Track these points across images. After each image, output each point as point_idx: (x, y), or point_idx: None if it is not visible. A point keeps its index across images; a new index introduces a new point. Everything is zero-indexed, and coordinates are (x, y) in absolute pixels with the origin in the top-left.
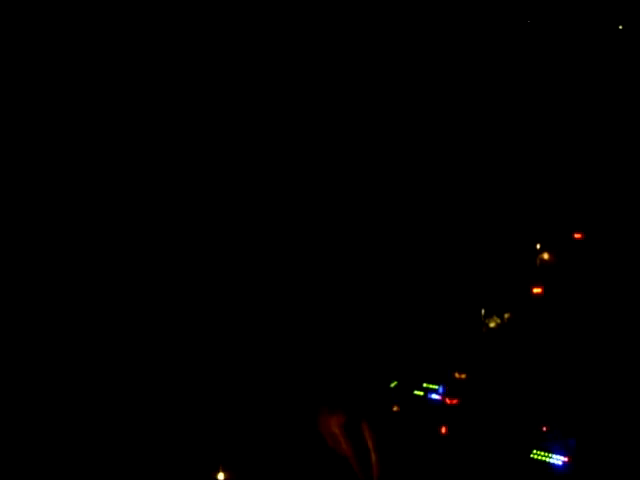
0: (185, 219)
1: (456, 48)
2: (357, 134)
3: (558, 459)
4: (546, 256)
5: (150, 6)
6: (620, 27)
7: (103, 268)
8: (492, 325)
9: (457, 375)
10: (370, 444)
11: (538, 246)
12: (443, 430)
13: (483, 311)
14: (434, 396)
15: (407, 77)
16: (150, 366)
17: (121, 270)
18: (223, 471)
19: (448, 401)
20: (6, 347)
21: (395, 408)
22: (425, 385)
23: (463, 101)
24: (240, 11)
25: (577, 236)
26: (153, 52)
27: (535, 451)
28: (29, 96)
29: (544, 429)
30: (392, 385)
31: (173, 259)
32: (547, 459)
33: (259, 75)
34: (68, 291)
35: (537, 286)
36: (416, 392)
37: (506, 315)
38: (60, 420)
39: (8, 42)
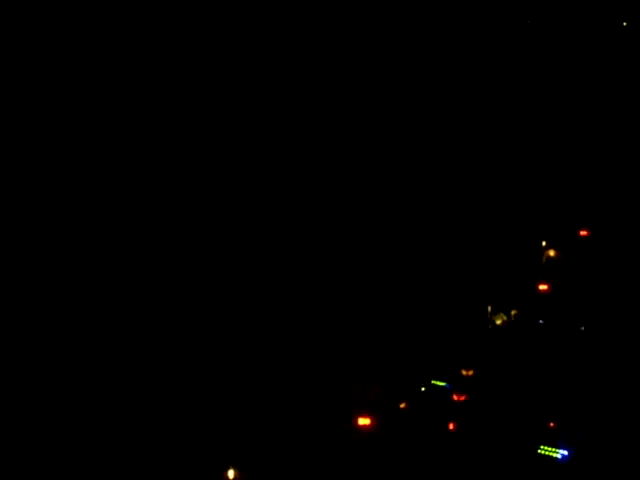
0: (185, 219)
1: (456, 49)
2: (358, 134)
3: (564, 454)
4: (552, 253)
5: (150, 6)
6: (621, 26)
7: (103, 269)
8: (499, 322)
9: (464, 372)
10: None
11: (544, 244)
12: (451, 426)
13: (490, 308)
14: (442, 393)
15: (407, 78)
16: (160, 367)
17: (121, 271)
18: (233, 469)
19: (456, 397)
20: (6, 347)
21: (403, 404)
22: (433, 382)
23: (463, 97)
24: (240, 11)
25: (583, 233)
26: (153, 53)
27: (542, 446)
28: (29, 96)
29: (551, 425)
30: (401, 382)
31: (174, 260)
32: (554, 454)
33: (259, 75)
34: (68, 291)
35: (543, 283)
36: (424, 389)
37: (513, 312)
38: (64, 421)
39: (8, 42)
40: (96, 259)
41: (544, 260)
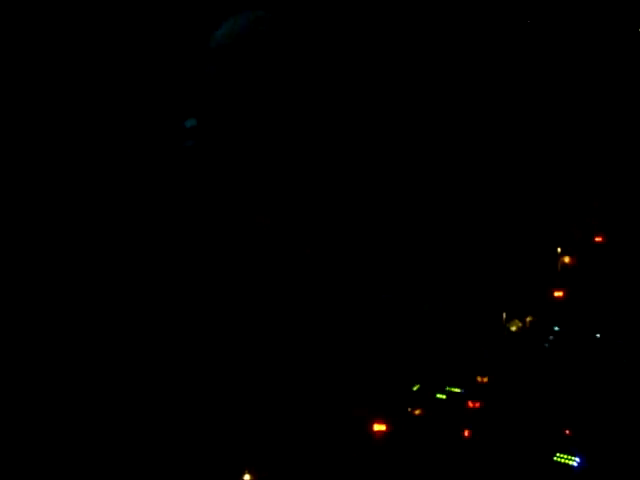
0: (185, 219)
1: (456, 48)
2: (362, 134)
3: (580, 462)
4: (567, 260)
5: (150, 6)
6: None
7: (103, 269)
8: (514, 329)
9: (479, 379)
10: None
11: (559, 250)
12: (466, 433)
13: (505, 315)
14: (456, 399)
15: (407, 77)
16: (170, 372)
17: (121, 271)
18: (249, 472)
19: (470, 404)
20: (6, 347)
21: (418, 411)
22: (448, 388)
23: (470, 98)
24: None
25: (598, 239)
26: (153, 52)
27: (558, 454)
28: (29, 96)
29: (567, 432)
30: (415, 388)
31: (173, 260)
32: (569, 462)
33: (260, 75)
34: (68, 291)
35: (558, 290)
36: (439, 395)
37: (528, 319)
38: (70, 423)
39: (8, 42)
40: (96, 259)
41: (559, 267)
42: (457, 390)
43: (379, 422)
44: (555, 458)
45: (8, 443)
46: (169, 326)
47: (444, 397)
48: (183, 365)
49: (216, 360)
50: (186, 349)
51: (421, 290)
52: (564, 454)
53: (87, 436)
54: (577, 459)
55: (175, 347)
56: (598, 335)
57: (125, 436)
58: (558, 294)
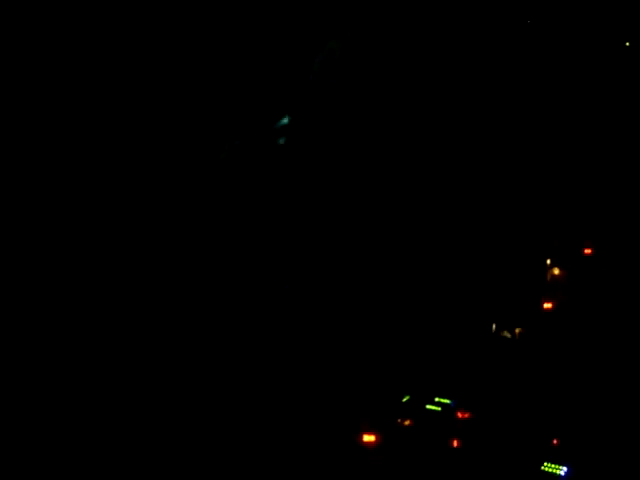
0: (184, 218)
1: (456, 48)
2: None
3: (568, 471)
4: (557, 271)
5: (151, 6)
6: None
7: (103, 268)
8: (503, 339)
9: (466, 393)
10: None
11: (549, 262)
12: (455, 443)
13: (494, 326)
14: (446, 410)
15: (407, 77)
16: (167, 374)
17: (121, 270)
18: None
19: (460, 415)
20: (6, 347)
21: (407, 422)
22: (437, 399)
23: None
24: (240, 11)
25: (587, 252)
26: (153, 52)
27: (546, 463)
28: (29, 96)
29: (554, 442)
30: (405, 399)
31: (173, 258)
32: (557, 471)
33: (258, 75)
34: (68, 291)
35: (548, 301)
36: (428, 406)
37: (517, 330)
38: (65, 422)
39: (9, 42)
40: (95, 259)
41: (549, 278)
42: (446, 401)
43: (368, 433)
44: (543, 467)
45: (8, 443)
46: (171, 326)
47: (434, 408)
48: (179, 366)
49: (203, 367)
50: (183, 350)
51: (411, 299)
52: (552, 464)
53: (83, 435)
54: (565, 468)
55: (174, 348)
56: (588, 346)
57: (121, 436)
58: (547, 306)
